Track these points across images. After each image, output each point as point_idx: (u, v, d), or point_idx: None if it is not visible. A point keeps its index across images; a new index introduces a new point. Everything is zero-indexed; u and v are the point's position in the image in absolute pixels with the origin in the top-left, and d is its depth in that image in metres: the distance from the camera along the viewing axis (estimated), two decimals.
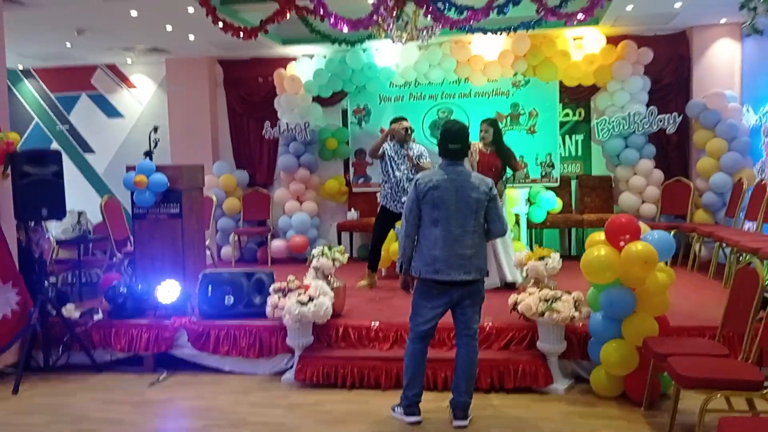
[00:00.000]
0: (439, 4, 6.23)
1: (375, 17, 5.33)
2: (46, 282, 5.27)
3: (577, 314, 4.51)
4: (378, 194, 6.62)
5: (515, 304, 4.74)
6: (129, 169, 5.73)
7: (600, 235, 4.51)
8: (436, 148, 4.19)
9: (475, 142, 6.33)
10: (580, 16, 5.09)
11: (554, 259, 4.98)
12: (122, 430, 4.11)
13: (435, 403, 4.26)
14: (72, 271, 7.68)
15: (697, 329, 4.63)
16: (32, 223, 5.33)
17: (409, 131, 6.36)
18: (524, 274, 5.21)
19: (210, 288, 5.35)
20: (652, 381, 4.18)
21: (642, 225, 4.43)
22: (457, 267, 3.92)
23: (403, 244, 4.05)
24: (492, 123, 6.36)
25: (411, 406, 4.07)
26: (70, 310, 5.39)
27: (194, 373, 5.16)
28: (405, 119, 6.45)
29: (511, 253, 5.82)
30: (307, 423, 4.12)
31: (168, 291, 5.40)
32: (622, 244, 4.26)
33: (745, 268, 3.93)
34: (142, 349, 5.24)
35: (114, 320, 5.36)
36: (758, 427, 2.79)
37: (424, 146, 6.55)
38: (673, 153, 8.18)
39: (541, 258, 4.99)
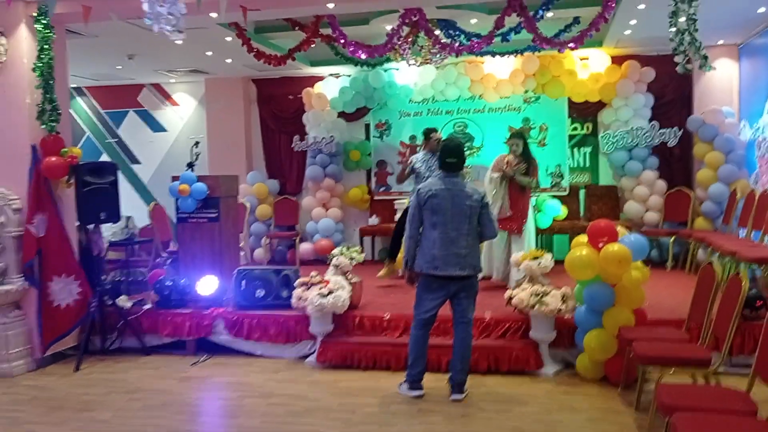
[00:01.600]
0: (450, 31, 6.95)
1: (389, 46, 6.03)
2: (103, 276, 6.04)
3: (563, 307, 5.11)
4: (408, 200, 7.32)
5: (510, 298, 5.36)
6: (174, 179, 6.52)
7: (585, 238, 5.11)
8: None
9: (505, 154, 6.91)
10: (571, 45, 5.73)
11: (546, 259, 5.57)
12: (169, 398, 4.85)
13: (437, 383, 4.90)
14: (120, 269, 8.51)
15: (673, 322, 5.13)
16: (92, 226, 6.14)
17: (440, 142, 7.11)
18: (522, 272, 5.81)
19: (243, 282, 6.08)
20: (627, 365, 4.75)
21: (620, 229, 5.03)
22: (453, 264, 4.57)
23: (408, 245, 4.71)
24: (520, 136, 6.85)
25: (414, 382, 4.72)
26: (124, 301, 6.19)
27: (230, 356, 5.90)
28: (436, 130, 7.18)
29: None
30: (325, 395, 4.81)
31: (207, 285, 6.16)
32: (600, 245, 4.86)
33: (707, 267, 4.50)
34: (185, 335, 6.00)
35: (161, 309, 6.14)
36: (689, 392, 3.37)
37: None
38: (676, 164, 8.71)
39: (535, 258, 5.60)
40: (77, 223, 6.10)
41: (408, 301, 5.93)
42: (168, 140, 10.28)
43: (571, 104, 8.89)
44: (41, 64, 5.68)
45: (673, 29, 4.96)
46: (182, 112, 10.24)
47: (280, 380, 5.21)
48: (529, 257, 5.58)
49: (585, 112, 8.97)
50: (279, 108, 9.79)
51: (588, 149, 9.12)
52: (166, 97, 10.26)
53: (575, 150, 9.13)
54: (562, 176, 8.93)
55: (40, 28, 5.68)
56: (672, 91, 8.64)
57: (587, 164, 9.13)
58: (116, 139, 10.46)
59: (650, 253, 8.67)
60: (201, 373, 5.48)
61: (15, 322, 5.66)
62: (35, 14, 5.72)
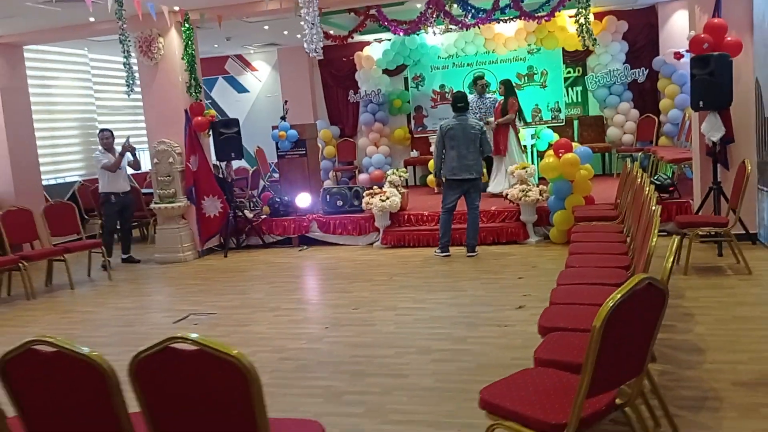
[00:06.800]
0: (465, 6, 9.47)
1: (419, 23, 8.65)
2: (234, 197, 9.00)
3: (540, 197, 7.83)
4: None
5: (506, 195, 8.10)
6: (273, 127, 9.35)
7: (551, 151, 7.78)
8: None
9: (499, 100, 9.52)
10: (545, 18, 8.25)
11: (531, 169, 8.27)
12: (289, 265, 7.84)
13: (459, 251, 7.70)
14: None
15: (612, 204, 7.82)
16: (224, 163, 9.06)
17: (485, 86, 9.77)
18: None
19: (327, 197, 8.95)
20: None
21: (574, 144, 7.69)
22: (464, 171, 7.31)
23: (436, 162, 7.49)
24: (503, 82, 9.57)
25: (444, 247, 7.56)
26: (247, 213, 9.15)
27: (322, 246, 8.83)
28: (483, 77, 9.84)
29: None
30: (387, 259, 7.71)
31: (303, 199, 9.06)
32: (560, 154, 7.54)
33: (624, 165, 7.15)
34: (291, 233, 8.95)
35: (273, 218, 9.08)
36: (593, 229, 6.08)
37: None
38: (647, 96, 11.14)
39: (524, 167, 8.29)
40: (215, 161, 9.04)
41: (439, 205, 8.78)
42: (250, 99, 13.12)
43: (565, 53, 11.32)
44: (187, 55, 8.51)
45: (576, 24, 7.55)
46: (260, 76, 13.03)
47: (358, 255, 8.14)
48: (519, 167, 8.29)
49: (576, 58, 11.41)
50: (336, 68, 12.48)
51: (579, 88, 11.59)
52: (247, 64, 13.05)
53: (569, 89, 11.62)
54: (559, 110, 11.45)
55: (185, 30, 8.48)
56: (642, 39, 11.00)
57: (579, 100, 11.62)
58: (210, 101, 13.34)
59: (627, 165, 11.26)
60: (305, 255, 8.45)
61: (183, 227, 8.68)
62: (181, 20, 8.49)
